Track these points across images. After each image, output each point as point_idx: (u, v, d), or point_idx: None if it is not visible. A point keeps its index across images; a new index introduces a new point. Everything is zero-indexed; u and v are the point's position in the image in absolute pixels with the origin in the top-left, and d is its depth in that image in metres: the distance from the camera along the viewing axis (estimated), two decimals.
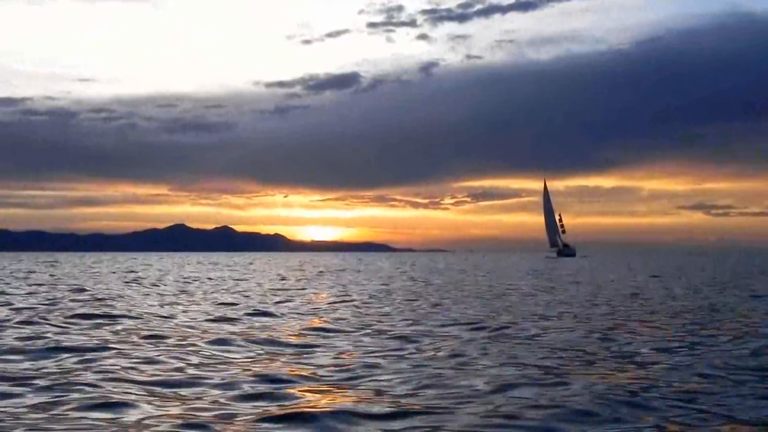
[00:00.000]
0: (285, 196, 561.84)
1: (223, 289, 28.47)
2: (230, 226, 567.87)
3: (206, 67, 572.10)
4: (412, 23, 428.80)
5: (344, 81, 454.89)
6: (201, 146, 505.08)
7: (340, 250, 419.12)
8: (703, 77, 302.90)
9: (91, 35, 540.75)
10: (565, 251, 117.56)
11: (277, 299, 23.02)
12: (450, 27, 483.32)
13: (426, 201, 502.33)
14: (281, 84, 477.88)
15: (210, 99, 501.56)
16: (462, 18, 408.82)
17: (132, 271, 49.73)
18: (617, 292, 26.11)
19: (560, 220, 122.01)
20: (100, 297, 23.07)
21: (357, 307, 20.02)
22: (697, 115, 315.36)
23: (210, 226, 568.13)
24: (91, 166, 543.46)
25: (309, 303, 21.66)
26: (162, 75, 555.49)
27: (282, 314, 17.61)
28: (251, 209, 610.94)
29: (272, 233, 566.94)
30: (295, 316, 17.29)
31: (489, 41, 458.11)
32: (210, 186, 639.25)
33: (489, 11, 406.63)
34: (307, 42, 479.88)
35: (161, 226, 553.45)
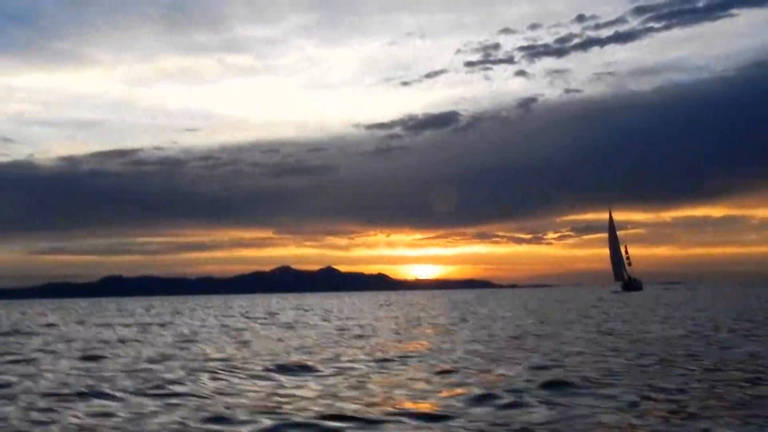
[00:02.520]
0: (387, 236, 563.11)
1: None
2: (333, 266, 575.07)
3: (306, 112, 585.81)
4: (509, 60, 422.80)
5: (443, 120, 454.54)
6: (304, 189, 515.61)
7: (443, 288, 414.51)
8: None
9: (196, 88, 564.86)
10: (631, 284, 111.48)
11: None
12: (548, 62, 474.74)
13: (529, 236, 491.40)
14: (381, 126, 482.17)
15: (311, 143, 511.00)
16: (560, 53, 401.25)
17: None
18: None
19: (626, 251, 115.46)
20: None
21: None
22: None
23: (314, 267, 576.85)
24: (199, 212, 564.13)
25: None
26: (264, 122, 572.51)
27: None
28: (354, 249, 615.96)
29: (375, 272, 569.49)
30: None
31: (588, 74, 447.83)
32: (313, 228, 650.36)
33: (587, 44, 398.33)
34: (406, 83, 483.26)
35: (267, 268, 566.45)
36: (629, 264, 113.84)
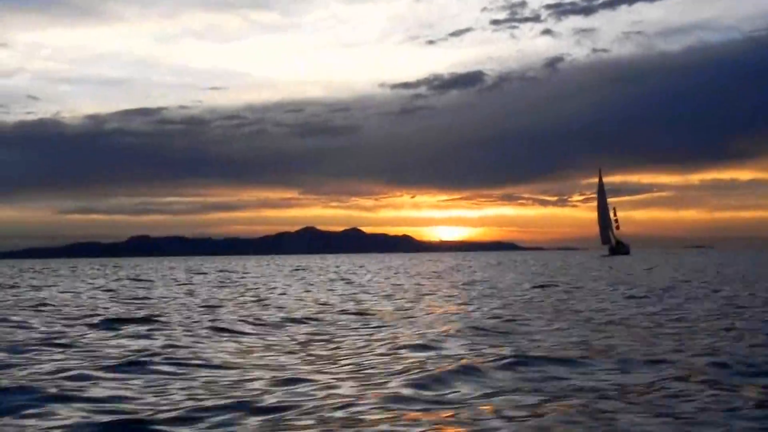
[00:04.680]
0: (412, 197, 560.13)
1: None
2: (359, 227, 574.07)
3: (332, 71, 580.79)
4: (535, 18, 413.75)
5: (469, 80, 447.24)
6: (329, 149, 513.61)
7: (468, 250, 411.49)
8: None
9: (221, 45, 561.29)
10: (619, 249, 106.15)
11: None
12: (575, 21, 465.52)
13: (554, 198, 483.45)
14: (406, 85, 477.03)
15: (336, 103, 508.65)
16: (587, 11, 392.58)
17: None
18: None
19: (615, 214, 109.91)
20: None
21: None
22: None
23: (339, 228, 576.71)
24: (224, 172, 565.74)
25: None
26: (289, 81, 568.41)
27: None
28: (379, 210, 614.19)
29: (400, 234, 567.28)
30: None
31: (616, 34, 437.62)
32: (339, 188, 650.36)
33: (615, 3, 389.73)
34: (431, 42, 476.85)
35: (292, 229, 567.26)
36: (617, 227, 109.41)
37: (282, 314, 16.19)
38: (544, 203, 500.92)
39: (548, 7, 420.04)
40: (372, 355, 9.89)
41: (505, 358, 8.98)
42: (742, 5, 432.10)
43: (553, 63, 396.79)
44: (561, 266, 55.65)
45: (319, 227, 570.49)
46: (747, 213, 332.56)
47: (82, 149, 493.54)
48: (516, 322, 13.85)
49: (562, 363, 8.76)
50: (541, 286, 26.53)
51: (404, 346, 10.47)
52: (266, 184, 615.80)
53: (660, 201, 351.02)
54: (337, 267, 65.51)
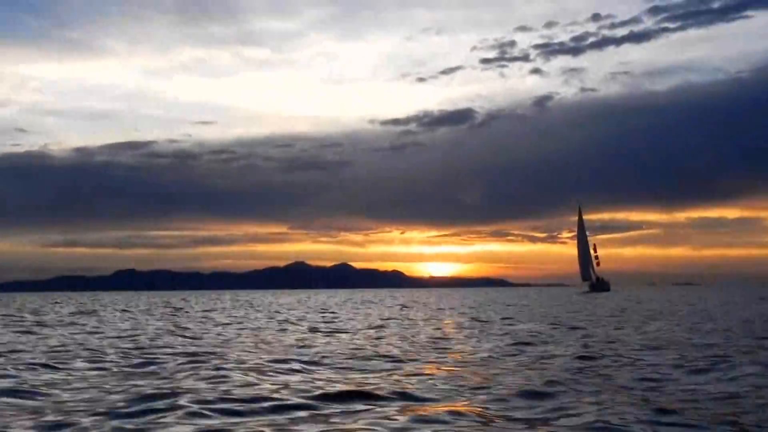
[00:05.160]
0: (402, 233, 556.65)
1: None
2: (349, 263, 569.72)
3: (322, 107, 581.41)
4: (524, 58, 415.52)
5: (459, 117, 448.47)
6: (319, 185, 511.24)
7: (458, 286, 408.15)
8: None
9: (211, 80, 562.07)
10: (600, 285, 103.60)
11: None
12: (563, 60, 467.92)
13: (544, 235, 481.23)
14: (396, 122, 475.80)
15: (326, 138, 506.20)
16: (575, 51, 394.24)
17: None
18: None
19: (595, 251, 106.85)
20: None
21: None
22: None
23: (329, 264, 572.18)
24: (212, 207, 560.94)
25: None
26: (279, 116, 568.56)
27: None
28: (369, 246, 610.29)
29: (390, 269, 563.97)
30: None
31: (603, 74, 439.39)
32: (328, 224, 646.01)
33: (602, 43, 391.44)
34: (422, 79, 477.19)
35: (282, 264, 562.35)
36: (598, 264, 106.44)
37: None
38: (533, 239, 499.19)
39: (537, 47, 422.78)
40: None
41: None
42: (728, 47, 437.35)
43: (541, 101, 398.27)
44: (522, 305, 52.44)
45: (308, 262, 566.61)
46: (734, 250, 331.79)
47: (69, 182, 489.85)
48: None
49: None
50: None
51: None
52: (255, 218, 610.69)
53: (648, 238, 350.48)
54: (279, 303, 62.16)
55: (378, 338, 18.29)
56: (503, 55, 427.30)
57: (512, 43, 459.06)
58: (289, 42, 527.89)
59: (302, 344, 16.50)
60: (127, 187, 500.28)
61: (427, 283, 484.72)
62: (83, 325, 26.75)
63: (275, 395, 8.65)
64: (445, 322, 26.68)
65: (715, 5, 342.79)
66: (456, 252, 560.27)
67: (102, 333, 21.39)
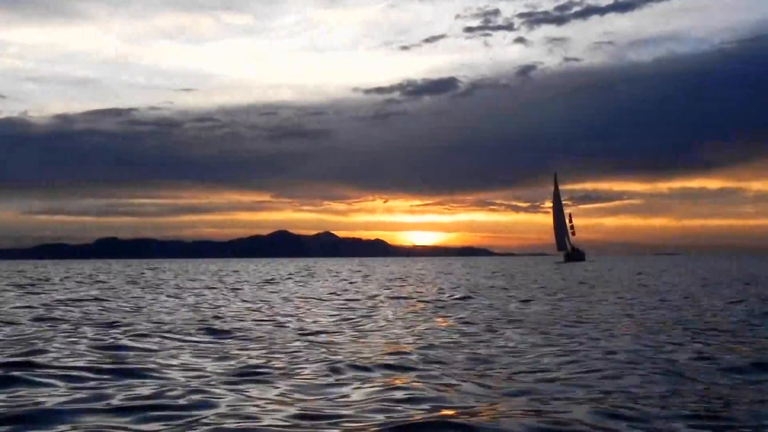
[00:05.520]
0: (385, 202, 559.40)
1: None
2: (332, 231, 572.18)
3: (305, 75, 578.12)
4: (509, 27, 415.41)
5: (442, 86, 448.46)
6: (302, 153, 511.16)
7: (440, 255, 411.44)
8: None
9: (193, 46, 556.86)
10: (575, 255, 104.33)
11: None
12: (547, 30, 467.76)
13: (526, 205, 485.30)
14: (379, 90, 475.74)
15: (309, 106, 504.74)
16: (559, 20, 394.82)
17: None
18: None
19: (570, 221, 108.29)
20: None
21: None
22: None
23: (312, 232, 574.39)
24: (195, 174, 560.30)
25: None
26: (262, 84, 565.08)
27: None
28: (352, 215, 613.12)
29: (373, 238, 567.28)
30: None
31: (587, 43, 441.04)
32: (311, 192, 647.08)
33: (587, 13, 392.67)
34: (405, 48, 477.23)
35: (264, 232, 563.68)
36: (573, 234, 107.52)
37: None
38: (516, 209, 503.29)
39: (521, 15, 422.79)
40: None
41: None
42: (712, 18, 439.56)
43: (525, 71, 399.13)
44: (491, 276, 54.17)
45: (291, 231, 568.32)
46: (716, 221, 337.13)
47: (49, 149, 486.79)
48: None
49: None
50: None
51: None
52: (238, 186, 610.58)
53: (630, 208, 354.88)
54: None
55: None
56: (487, 23, 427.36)
57: (496, 12, 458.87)
58: (272, 8, 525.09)
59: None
60: (108, 155, 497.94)
61: (409, 252, 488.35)
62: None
63: None
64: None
65: None
66: (439, 221, 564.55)
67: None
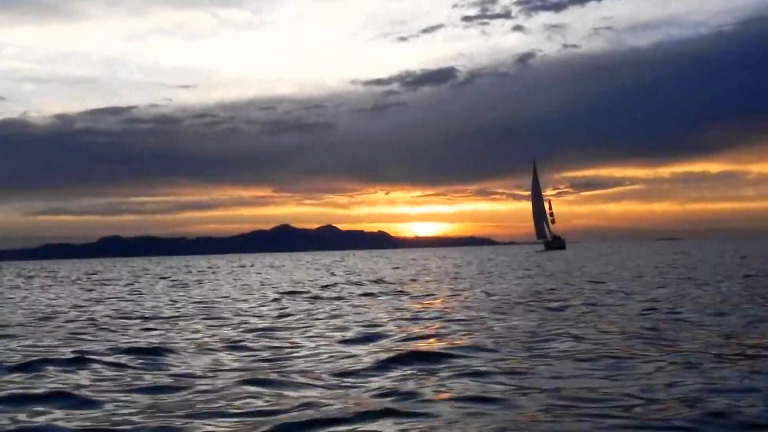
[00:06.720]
0: (387, 194, 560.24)
1: None
2: (334, 225, 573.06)
3: (303, 69, 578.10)
4: (506, 15, 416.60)
5: (441, 76, 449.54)
6: (302, 147, 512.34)
7: (443, 246, 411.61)
8: None
9: (191, 43, 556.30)
10: (555, 243, 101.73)
11: None
12: (545, 17, 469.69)
13: (528, 193, 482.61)
14: (378, 82, 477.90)
15: (308, 100, 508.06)
16: (557, 7, 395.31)
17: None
18: None
19: (550, 208, 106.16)
20: None
21: None
22: None
23: (314, 226, 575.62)
24: (196, 171, 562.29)
25: None
26: (261, 78, 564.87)
27: None
28: (354, 207, 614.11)
29: (375, 230, 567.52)
30: None
31: (586, 29, 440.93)
32: (313, 186, 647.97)
33: None
34: (403, 39, 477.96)
35: (267, 227, 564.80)
36: (553, 221, 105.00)
37: None
38: (518, 198, 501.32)
39: (519, 3, 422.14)
40: None
41: None
42: (709, 1, 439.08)
43: (524, 59, 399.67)
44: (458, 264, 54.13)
45: (293, 225, 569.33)
46: (718, 205, 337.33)
47: (50, 149, 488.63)
48: None
49: None
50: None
51: None
52: (239, 182, 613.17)
53: (632, 194, 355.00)
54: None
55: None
56: (485, 12, 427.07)
57: (493, 1, 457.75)
58: (269, 3, 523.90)
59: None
60: (109, 154, 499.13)
61: (412, 243, 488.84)
62: None
63: None
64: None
65: None
66: (441, 212, 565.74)
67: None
